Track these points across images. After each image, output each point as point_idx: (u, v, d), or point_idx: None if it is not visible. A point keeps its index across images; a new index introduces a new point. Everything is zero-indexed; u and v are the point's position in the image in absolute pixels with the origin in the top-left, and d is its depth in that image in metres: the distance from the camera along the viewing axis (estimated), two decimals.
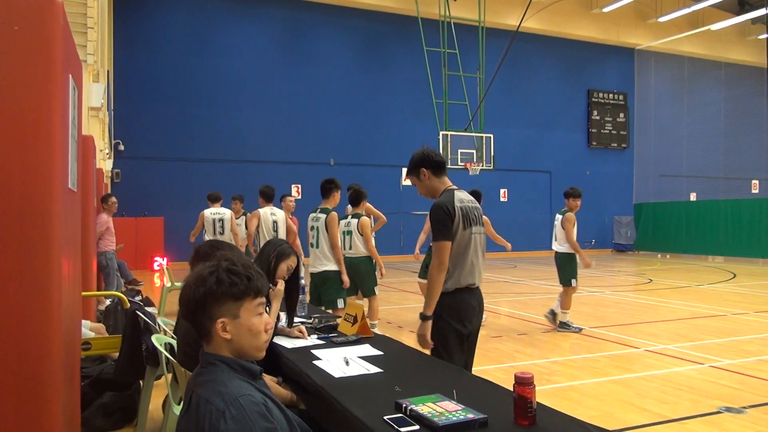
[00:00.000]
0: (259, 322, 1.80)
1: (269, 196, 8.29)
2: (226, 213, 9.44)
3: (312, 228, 6.25)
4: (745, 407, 4.47)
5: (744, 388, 5.06)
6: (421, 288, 8.06)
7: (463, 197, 3.33)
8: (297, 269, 3.51)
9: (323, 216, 6.14)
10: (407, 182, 19.29)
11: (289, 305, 3.53)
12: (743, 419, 4.21)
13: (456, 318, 3.25)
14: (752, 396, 4.82)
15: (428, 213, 3.29)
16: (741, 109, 24.97)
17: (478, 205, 3.44)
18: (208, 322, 1.75)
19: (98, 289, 7.71)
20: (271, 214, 8.21)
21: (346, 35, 19.86)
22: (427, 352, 3.28)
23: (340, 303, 6.07)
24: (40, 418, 1.96)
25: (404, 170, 19.29)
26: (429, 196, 3.47)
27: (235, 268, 1.77)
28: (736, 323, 8.21)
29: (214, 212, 9.41)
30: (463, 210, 3.25)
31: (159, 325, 3.83)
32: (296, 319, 3.85)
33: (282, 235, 8.24)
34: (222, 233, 9.25)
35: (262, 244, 8.42)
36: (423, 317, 3.24)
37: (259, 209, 8.21)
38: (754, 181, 24.41)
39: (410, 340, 5.17)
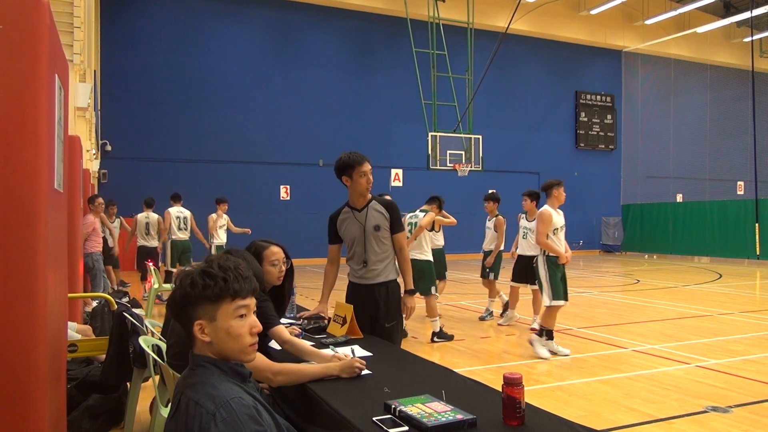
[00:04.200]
0: (238, 325, 1.76)
1: (150, 204, 10.83)
2: (187, 212, 10.77)
3: (409, 224, 7.38)
4: (731, 406, 4.51)
5: (730, 388, 5.10)
6: (484, 285, 9.00)
7: None
8: (288, 260, 3.30)
9: (422, 215, 7.42)
10: (396, 183, 19.34)
11: (280, 302, 3.33)
12: (729, 418, 4.24)
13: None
14: (738, 395, 4.87)
15: (389, 210, 3.87)
16: (726, 111, 25.21)
17: None
18: (188, 324, 1.76)
19: (85, 291, 7.65)
20: (145, 217, 10.72)
21: (335, 36, 19.85)
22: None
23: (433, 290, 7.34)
24: (26, 420, 1.94)
25: (393, 171, 19.45)
26: (361, 196, 3.86)
27: (210, 271, 1.74)
28: (722, 323, 8.28)
29: (177, 211, 10.60)
30: None
31: (146, 326, 3.80)
32: (284, 321, 3.83)
33: (154, 236, 10.74)
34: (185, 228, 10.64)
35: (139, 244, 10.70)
36: (413, 292, 3.96)
37: (138, 215, 10.77)
38: (739, 183, 24.65)
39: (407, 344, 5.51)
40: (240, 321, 1.77)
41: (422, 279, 7.23)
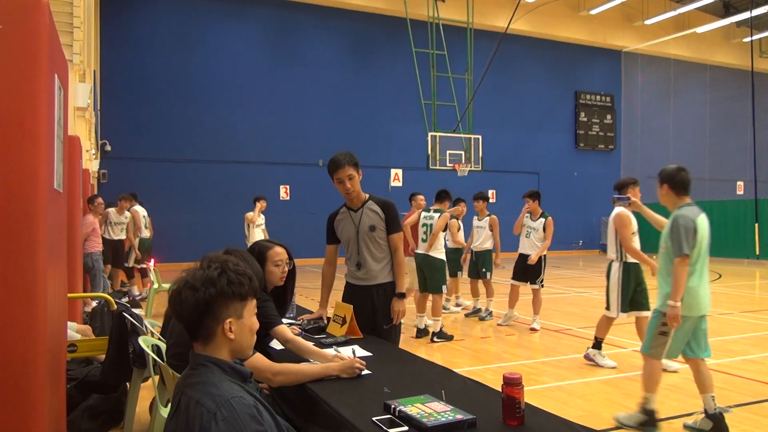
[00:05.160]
0: (256, 321, 1.84)
1: (136, 197, 10.88)
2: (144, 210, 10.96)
3: (424, 225, 7.48)
4: (730, 406, 4.50)
5: (730, 388, 5.10)
6: (472, 285, 8.99)
7: None
8: (291, 260, 3.30)
9: (437, 215, 7.41)
10: (396, 183, 19.34)
11: (282, 302, 3.36)
12: (729, 418, 4.23)
13: None
14: (738, 395, 4.87)
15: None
16: (726, 111, 25.22)
17: None
18: (214, 323, 1.75)
19: (84, 291, 7.65)
20: (143, 210, 10.87)
21: (335, 36, 19.85)
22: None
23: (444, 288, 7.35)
24: (26, 420, 1.94)
25: (393, 171, 19.47)
26: (356, 195, 3.80)
27: (240, 269, 1.79)
28: (722, 323, 8.28)
29: (142, 210, 10.82)
30: None
31: (146, 326, 3.80)
32: (284, 321, 3.83)
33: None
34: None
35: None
36: (403, 295, 3.84)
37: (134, 208, 10.69)
38: (738, 183, 24.65)
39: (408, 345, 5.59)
40: (255, 317, 1.85)
41: (435, 277, 7.27)
